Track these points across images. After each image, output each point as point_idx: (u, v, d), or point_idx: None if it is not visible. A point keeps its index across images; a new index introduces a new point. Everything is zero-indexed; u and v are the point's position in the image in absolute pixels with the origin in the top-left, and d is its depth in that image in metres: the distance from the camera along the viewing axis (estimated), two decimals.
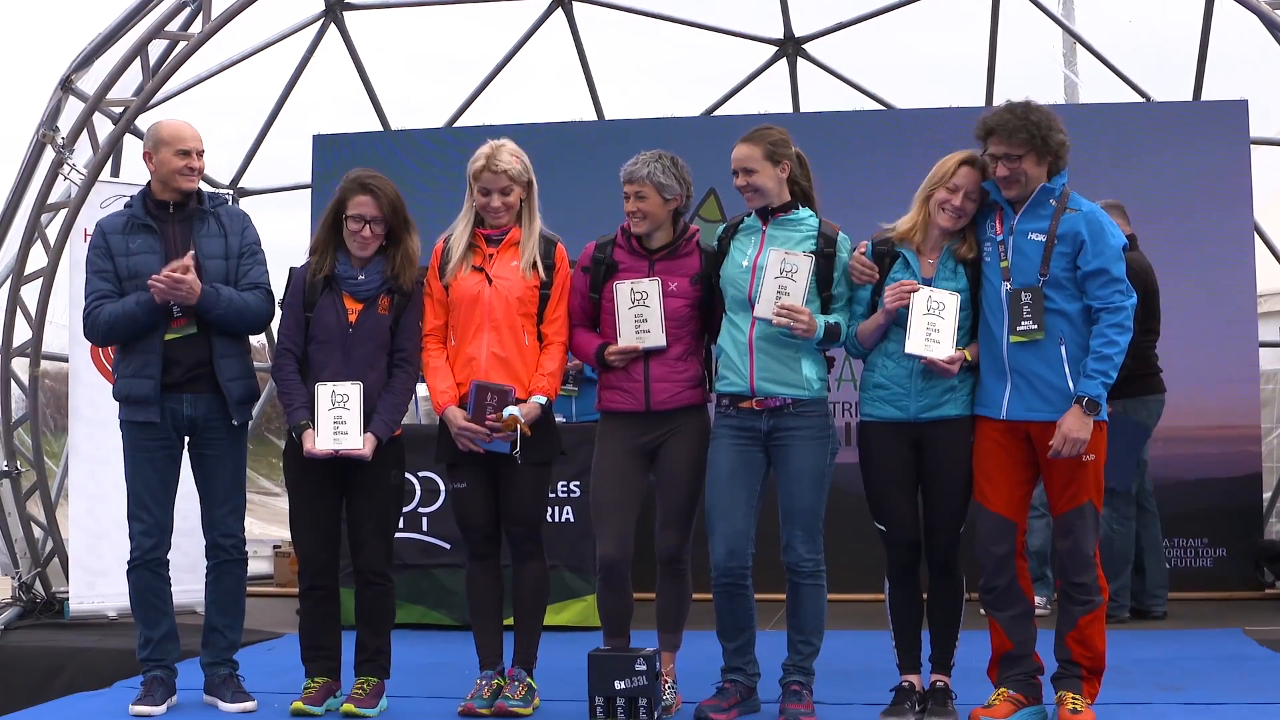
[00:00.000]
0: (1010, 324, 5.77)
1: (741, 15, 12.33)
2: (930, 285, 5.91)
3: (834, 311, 6.09)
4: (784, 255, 5.93)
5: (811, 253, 5.97)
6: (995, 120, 5.80)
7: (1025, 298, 5.73)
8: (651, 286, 6.13)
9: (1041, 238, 5.76)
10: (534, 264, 6.27)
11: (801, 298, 5.91)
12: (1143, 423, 8.74)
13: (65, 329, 9.55)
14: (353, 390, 6.14)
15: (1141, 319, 8.14)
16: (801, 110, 12.09)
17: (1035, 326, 5.70)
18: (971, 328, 5.99)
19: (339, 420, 6.11)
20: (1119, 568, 8.70)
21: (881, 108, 11.94)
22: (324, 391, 6.17)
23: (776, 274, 5.91)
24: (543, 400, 6.22)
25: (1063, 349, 5.71)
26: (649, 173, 6.10)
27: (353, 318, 6.25)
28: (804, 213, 6.13)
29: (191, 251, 6.27)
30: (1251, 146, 10.68)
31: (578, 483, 8.78)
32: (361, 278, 6.28)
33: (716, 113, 12.34)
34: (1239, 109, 10.56)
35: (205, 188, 6.78)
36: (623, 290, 6.15)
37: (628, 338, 6.13)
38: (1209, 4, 10.95)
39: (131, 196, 6.53)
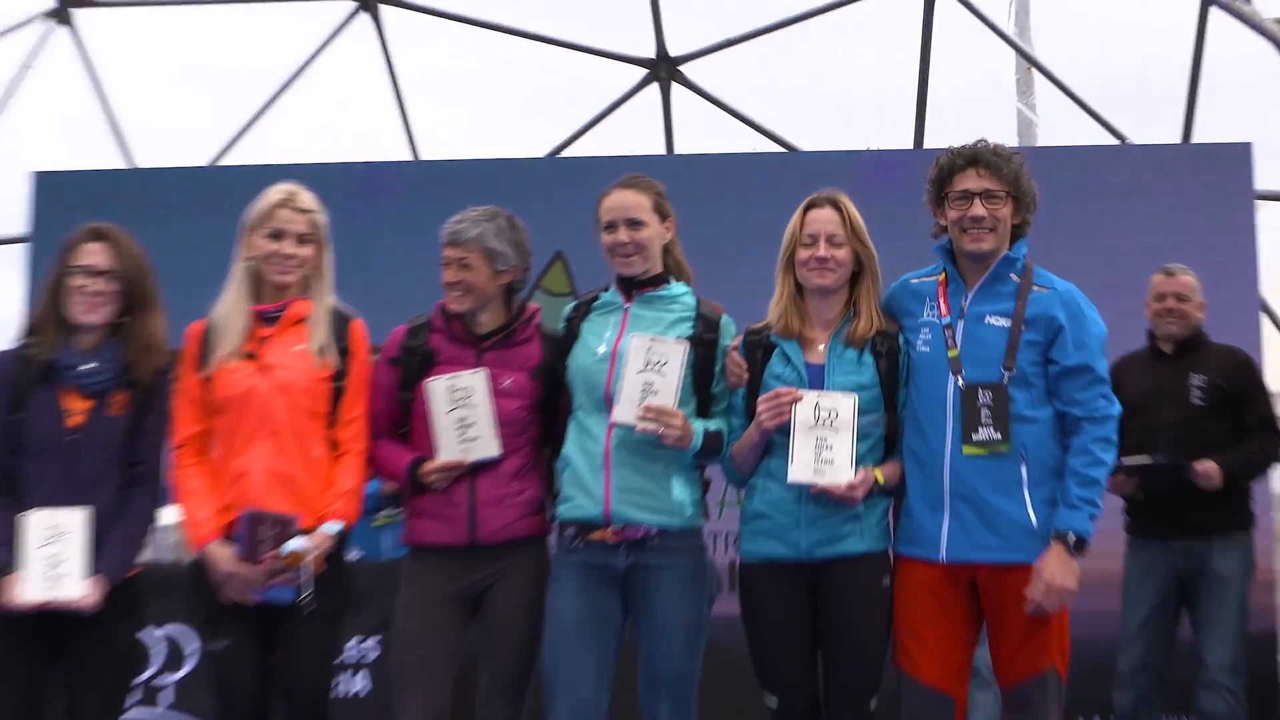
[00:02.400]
0: (962, 430, 5.77)
1: (603, 29, 12.75)
2: (822, 380, 5.94)
3: (715, 415, 6.12)
4: (650, 342, 5.96)
5: (686, 339, 6.04)
6: (976, 150, 5.94)
7: (984, 397, 5.75)
8: (476, 380, 6.14)
9: (1005, 322, 5.83)
10: (324, 348, 6.26)
11: (673, 397, 5.93)
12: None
13: None
14: (73, 520, 6.00)
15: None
16: (677, 151, 12.20)
17: (998, 436, 5.73)
18: (887, 437, 6.01)
19: (54, 560, 5.96)
20: None
21: (780, 149, 12.10)
22: (34, 523, 5.99)
23: (641, 366, 5.92)
24: (337, 528, 6.17)
25: (1023, 468, 5.78)
26: (479, 235, 6.17)
27: (76, 420, 6.12)
28: (679, 288, 6.24)
29: None
30: (1257, 202, 10.75)
31: (377, 638, 8.64)
32: (89, 366, 6.16)
33: (566, 152, 12.40)
34: (1240, 153, 10.68)
35: None
36: (438, 389, 6.16)
37: (449, 449, 6.13)
38: (1201, 22, 11.10)
39: None
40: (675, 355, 5.93)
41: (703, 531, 6.13)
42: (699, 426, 5.97)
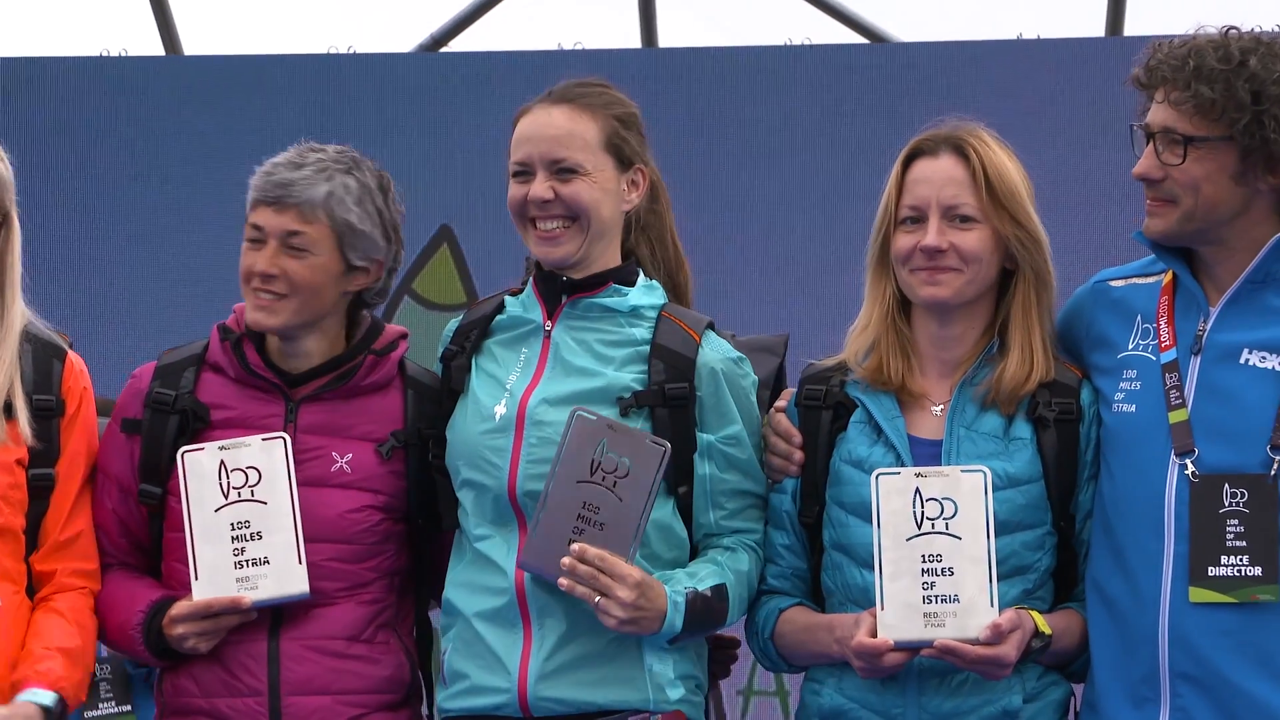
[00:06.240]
0: (1192, 560, 4.59)
1: None
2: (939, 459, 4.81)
3: (711, 540, 4.88)
4: (606, 430, 4.74)
5: (630, 396, 4.82)
6: (1164, 55, 4.63)
7: (1233, 498, 4.58)
8: (268, 451, 4.91)
9: (1277, 363, 4.70)
10: (9, 407, 4.96)
11: (630, 540, 4.68)
12: None
13: None
14: None
15: None
16: (662, 44, 10.91)
17: (1257, 571, 4.59)
18: (1060, 571, 4.84)
19: None
20: None
21: (858, 40, 10.98)
22: None
23: (583, 472, 4.70)
24: (47, 699, 4.86)
25: None
26: (329, 197, 4.86)
27: None
28: (640, 294, 4.99)
29: None
30: None
31: None
32: None
33: (455, 45, 10.95)
34: None
35: None
36: (198, 465, 4.92)
37: (214, 579, 4.90)
38: None
39: None
40: (646, 461, 4.72)
41: None
42: (675, 586, 4.70)
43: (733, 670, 5.31)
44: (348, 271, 4.97)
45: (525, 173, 4.86)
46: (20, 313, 4.96)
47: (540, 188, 4.84)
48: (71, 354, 5.07)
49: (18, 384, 4.89)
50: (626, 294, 4.93)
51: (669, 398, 4.81)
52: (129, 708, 6.79)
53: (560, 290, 4.89)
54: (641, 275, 4.99)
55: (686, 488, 4.83)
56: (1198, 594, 4.55)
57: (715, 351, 4.88)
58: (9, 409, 4.87)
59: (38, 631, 4.98)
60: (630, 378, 4.84)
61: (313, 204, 4.89)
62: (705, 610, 4.70)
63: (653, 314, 4.95)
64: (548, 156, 4.84)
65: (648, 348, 4.88)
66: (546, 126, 4.88)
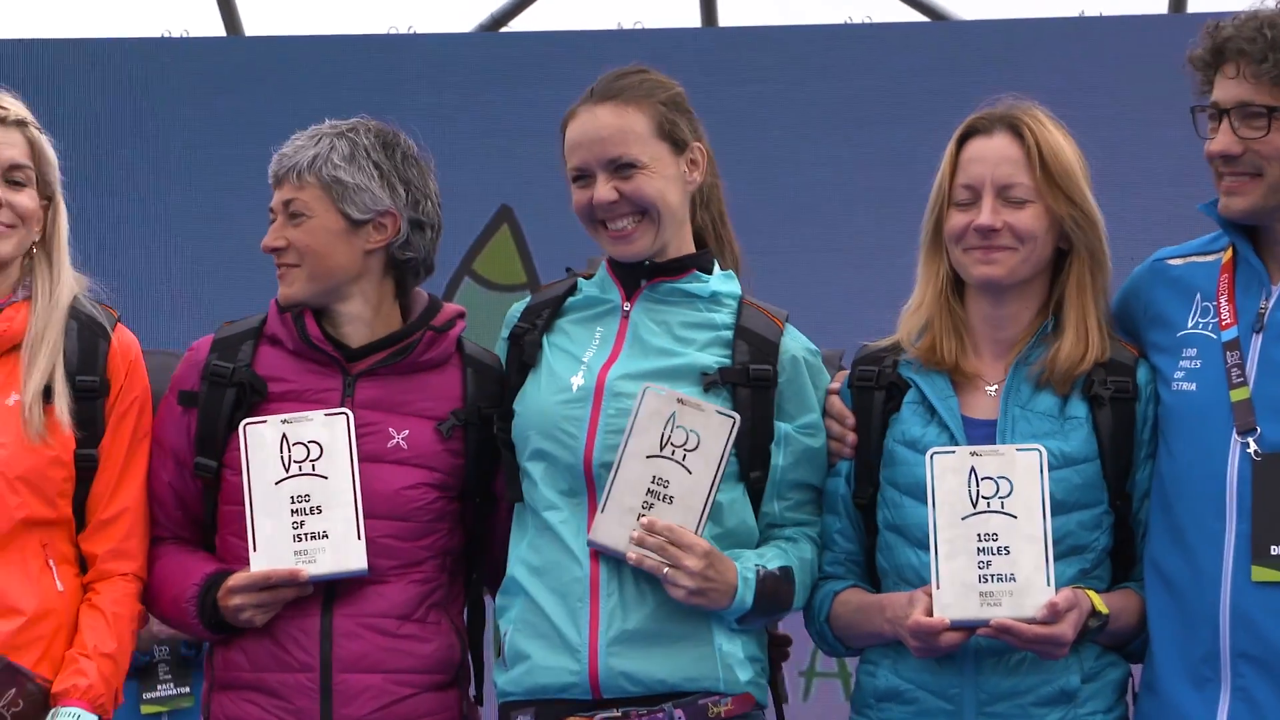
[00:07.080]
0: (1254, 539, 4.49)
1: None
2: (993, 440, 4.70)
3: (773, 531, 4.77)
4: (675, 404, 4.64)
5: (716, 373, 4.72)
6: (1233, 30, 4.52)
7: None
8: (331, 428, 4.81)
9: None
10: (50, 392, 4.81)
11: (699, 513, 4.60)
12: None
13: None
14: None
15: None
16: (721, 23, 10.70)
17: None
18: (1121, 550, 4.72)
19: None
20: None
21: (920, 18, 10.76)
22: None
23: (653, 446, 4.60)
24: None
25: None
26: (317, 158, 4.81)
27: None
28: (719, 280, 4.87)
29: None
30: None
31: None
32: None
33: (515, 25, 10.83)
34: None
35: None
36: (261, 438, 4.82)
37: (273, 551, 4.79)
38: None
39: None
40: (715, 433, 4.65)
41: (764, 709, 4.80)
42: (745, 564, 4.61)
43: (795, 652, 5.23)
44: (354, 227, 4.90)
45: (585, 177, 4.81)
46: (68, 288, 4.87)
47: (604, 190, 4.79)
48: (119, 330, 4.97)
49: (59, 369, 4.80)
50: (707, 280, 4.88)
51: (753, 378, 4.76)
52: (187, 689, 6.75)
53: (641, 274, 4.86)
54: (717, 265, 4.92)
55: (760, 474, 4.77)
56: (1260, 573, 4.47)
57: (797, 341, 4.83)
58: (49, 393, 4.79)
59: (79, 634, 4.92)
60: (712, 359, 4.79)
61: (299, 169, 4.87)
62: (775, 589, 4.64)
63: (732, 301, 4.88)
64: (604, 157, 4.79)
65: (730, 332, 4.84)
66: (596, 128, 4.83)
